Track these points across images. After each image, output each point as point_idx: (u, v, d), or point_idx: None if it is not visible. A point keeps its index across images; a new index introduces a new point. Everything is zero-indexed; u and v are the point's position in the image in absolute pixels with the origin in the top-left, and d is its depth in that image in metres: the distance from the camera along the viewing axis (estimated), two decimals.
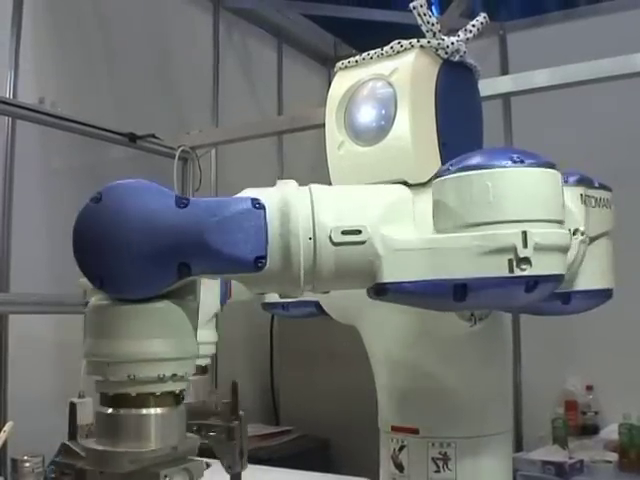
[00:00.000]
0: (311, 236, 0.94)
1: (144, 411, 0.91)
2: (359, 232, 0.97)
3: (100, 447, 0.91)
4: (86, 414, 1.80)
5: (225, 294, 1.26)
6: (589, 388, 3.49)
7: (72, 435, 1.12)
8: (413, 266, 0.98)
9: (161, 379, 0.89)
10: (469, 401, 1.26)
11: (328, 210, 0.97)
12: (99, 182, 0.92)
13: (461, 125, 1.27)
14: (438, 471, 1.25)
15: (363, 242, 0.97)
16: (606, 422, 3.39)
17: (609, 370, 3.37)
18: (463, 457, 1.25)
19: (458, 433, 1.25)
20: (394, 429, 1.31)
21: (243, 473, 1.33)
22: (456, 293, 0.97)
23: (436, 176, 1.03)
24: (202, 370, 1.38)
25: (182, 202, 0.89)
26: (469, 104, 1.32)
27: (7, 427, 1.68)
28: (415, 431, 1.27)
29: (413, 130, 1.19)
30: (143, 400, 0.91)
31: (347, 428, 2.87)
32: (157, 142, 2.80)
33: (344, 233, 0.96)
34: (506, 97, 3.15)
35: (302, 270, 0.93)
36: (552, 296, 1.06)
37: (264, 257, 0.91)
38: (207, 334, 1.20)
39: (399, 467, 1.29)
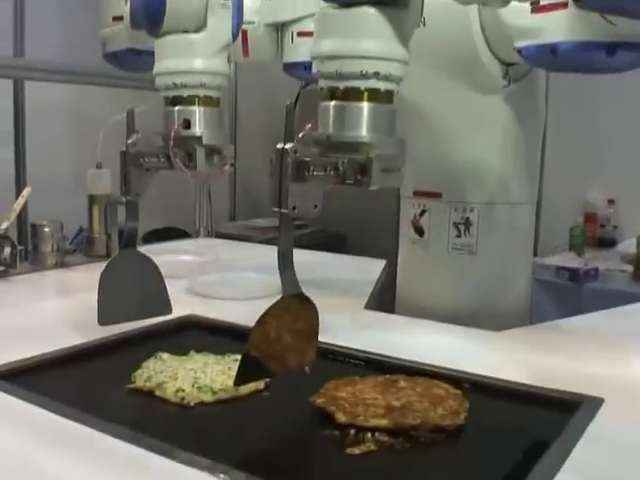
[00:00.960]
0: None
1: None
2: None
3: None
4: (104, 185, 1.79)
5: (238, 26, 1.19)
6: (610, 202, 3.45)
7: None
8: None
9: (364, 75, 0.87)
10: (495, 167, 1.23)
11: None
12: None
13: None
14: (459, 236, 1.24)
15: None
16: (624, 237, 3.37)
17: (632, 186, 3.32)
18: (485, 223, 1.23)
19: (481, 198, 1.23)
20: (416, 194, 1.28)
21: None
22: None
23: None
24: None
25: None
26: None
27: (25, 192, 1.67)
28: (438, 195, 1.25)
29: None
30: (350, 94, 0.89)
31: (364, 223, 2.88)
32: None
33: None
34: None
35: None
36: (597, 46, 0.99)
37: None
38: (218, 63, 1.13)
39: (419, 232, 1.28)
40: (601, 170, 3.44)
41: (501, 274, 1.26)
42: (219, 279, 1.50)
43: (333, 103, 0.90)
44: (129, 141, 1.11)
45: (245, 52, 1.40)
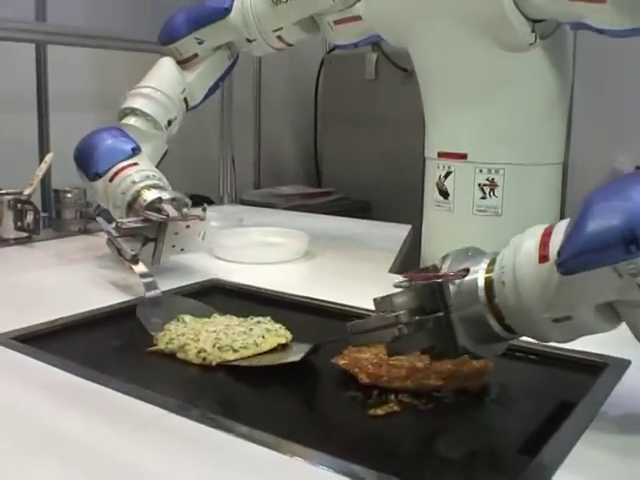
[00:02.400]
0: None
1: None
2: None
3: None
4: None
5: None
6: (638, 168, 3.41)
7: None
8: None
9: None
10: (521, 127, 1.20)
11: None
12: None
13: None
14: (484, 197, 1.22)
15: None
16: None
17: None
18: (510, 184, 1.20)
19: (507, 159, 1.20)
20: (441, 155, 1.26)
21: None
22: None
23: None
24: None
25: None
26: None
27: (48, 158, 1.67)
28: (463, 156, 1.22)
29: None
30: None
31: (389, 192, 2.85)
32: None
33: None
34: None
35: None
36: None
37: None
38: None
39: (444, 194, 1.26)
40: (629, 137, 3.39)
41: None
42: (242, 244, 1.50)
43: None
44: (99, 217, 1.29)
45: (287, 45, 1.49)
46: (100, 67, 2.45)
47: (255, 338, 0.92)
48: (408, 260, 1.53)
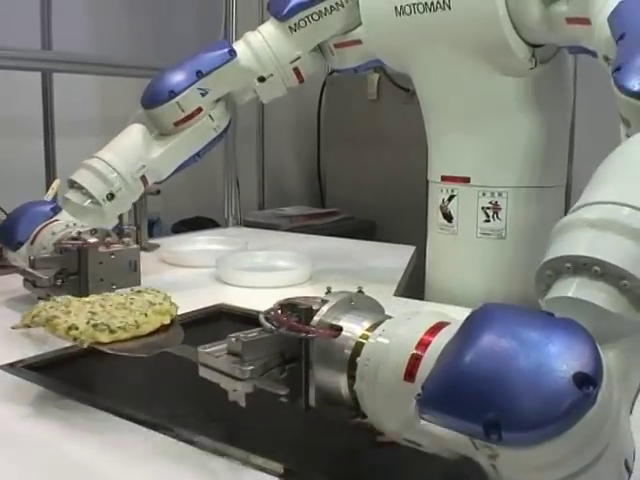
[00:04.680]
0: None
1: None
2: None
3: None
4: None
5: None
6: None
7: None
8: None
9: None
10: (523, 150, 1.21)
11: None
12: None
13: None
14: (488, 220, 1.23)
15: None
16: None
17: None
18: (514, 207, 1.22)
19: (510, 182, 1.22)
20: (444, 179, 1.27)
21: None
22: None
23: None
24: None
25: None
26: None
27: (55, 184, 1.65)
28: (466, 180, 1.24)
29: None
30: None
31: (393, 212, 2.86)
32: None
33: None
34: None
35: None
36: None
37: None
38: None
39: (447, 217, 1.27)
40: None
41: (531, 259, 1.24)
42: (249, 268, 1.51)
43: None
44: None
45: (300, 80, 1.44)
46: (105, 93, 2.48)
47: (136, 316, 0.83)
48: (413, 282, 1.54)
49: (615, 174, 0.68)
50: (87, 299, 0.88)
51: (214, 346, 0.69)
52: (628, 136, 0.79)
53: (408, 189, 2.82)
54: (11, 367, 0.92)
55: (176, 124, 1.35)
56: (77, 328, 0.79)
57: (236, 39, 1.46)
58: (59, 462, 0.70)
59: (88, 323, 0.79)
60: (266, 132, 3.08)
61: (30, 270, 1.12)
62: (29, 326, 0.84)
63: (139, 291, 0.91)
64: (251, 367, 0.64)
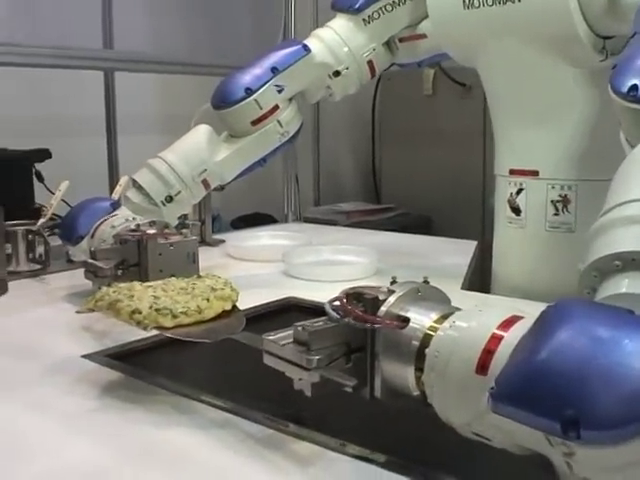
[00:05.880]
0: None
1: None
2: None
3: None
4: None
5: None
6: None
7: None
8: None
9: None
10: (592, 143, 1.20)
11: None
12: None
13: None
14: (557, 214, 1.22)
15: None
16: None
17: None
18: (584, 200, 1.21)
19: (579, 175, 1.21)
20: (512, 172, 1.27)
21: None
22: None
23: None
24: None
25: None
26: None
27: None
28: (535, 173, 1.24)
29: None
30: None
31: (449, 206, 2.86)
32: None
33: None
34: None
35: None
36: None
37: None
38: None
39: (516, 211, 1.27)
40: None
41: None
42: (314, 262, 1.53)
43: None
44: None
45: (372, 74, 1.43)
46: (165, 91, 2.52)
47: (199, 301, 0.84)
48: (475, 277, 1.54)
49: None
50: (150, 284, 0.89)
51: (279, 334, 0.70)
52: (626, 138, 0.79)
53: (464, 184, 2.82)
54: (91, 356, 0.96)
55: (253, 123, 1.32)
56: (140, 312, 0.80)
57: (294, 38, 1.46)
58: (153, 448, 0.73)
59: (151, 308, 0.81)
60: (321, 129, 3.09)
61: (91, 261, 1.16)
62: (93, 310, 0.86)
63: (200, 276, 0.93)
64: (318, 357, 0.65)
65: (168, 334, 0.81)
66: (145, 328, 0.80)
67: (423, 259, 1.66)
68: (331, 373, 0.65)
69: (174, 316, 0.80)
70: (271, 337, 0.69)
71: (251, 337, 0.81)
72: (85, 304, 0.87)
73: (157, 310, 0.80)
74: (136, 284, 0.89)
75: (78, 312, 0.90)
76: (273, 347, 0.69)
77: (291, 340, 0.68)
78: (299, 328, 0.67)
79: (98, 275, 1.13)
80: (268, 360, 0.70)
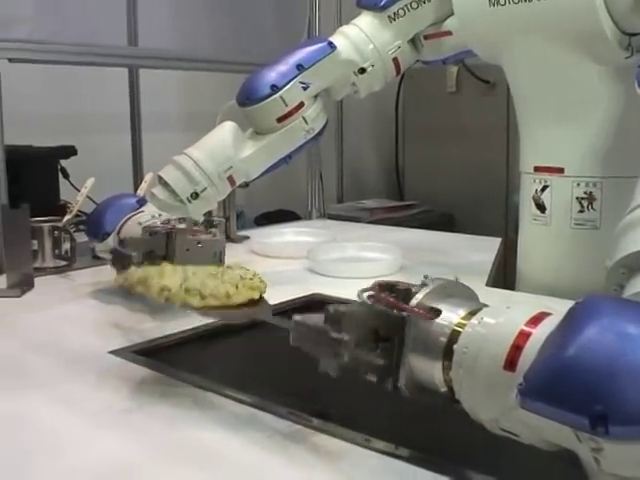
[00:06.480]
0: None
1: None
2: None
3: None
4: None
5: None
6: None
7: None
8: None
9: None
10: (618, 140, 1.20)
11: None
12: None
13: None
14: (582, 211, 1.22)
15: None
16: None
17: None
18: (609, 197, 1.21)
19: (605, 172, 1.21)
20: (537, 169, 1.27)
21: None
22: None
23: None
24: None
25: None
26: None
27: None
28: (560, 170, 1.23)
29: None
30: None
31: (472, 204, 2.86)
32: None
33: None
34: None
35: None
36: None
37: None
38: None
39: (541, 208, 1.27)
40: None
41: None
42: (339, 258, 1.53)
43: None
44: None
45: (397, 72, 1.44)
46: (189, 88, 2.53)
47: (227, 287, 0.83)
48: (499, 273, 1.54)
49: None
50: (180, 266, 0.89)
51: (308, 316, 0.71)
52: None
53: (487, 181, 2.81)
54: (118, 351, 0.97)
55: (279, 120, 1.32)
56: (170, 290, 0.81)
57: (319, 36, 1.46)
58: (182, 444, 0.73)
59: (181, 286, 0.81)
60: (344, 125, 3.09)
61: (119, 249, 1.18)
62: (123, 286, 0.87)
63: (229, 266, 0.93)
64: (347, 337, 0.66)
65: (197, 312, 0.82)
66: (173, 305, 0.81)
67: (447, 256, 1.66)
68: (359, 353, 0.66)
69: (202, 297, 0.81)
70: (300, 318, 0.70)
71: (279, 319, 0.81)
72: (115, 280, 0.90)
73: (186, 290, 0.81)
74: (167, 265, 0.90)
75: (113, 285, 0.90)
76: (302, 327, 0.70)
77: (320, 322, 0.69)
78: (330, 308, 0.68)
79: (125, 263, 1.13)
80: (295, 341, 0.70)
